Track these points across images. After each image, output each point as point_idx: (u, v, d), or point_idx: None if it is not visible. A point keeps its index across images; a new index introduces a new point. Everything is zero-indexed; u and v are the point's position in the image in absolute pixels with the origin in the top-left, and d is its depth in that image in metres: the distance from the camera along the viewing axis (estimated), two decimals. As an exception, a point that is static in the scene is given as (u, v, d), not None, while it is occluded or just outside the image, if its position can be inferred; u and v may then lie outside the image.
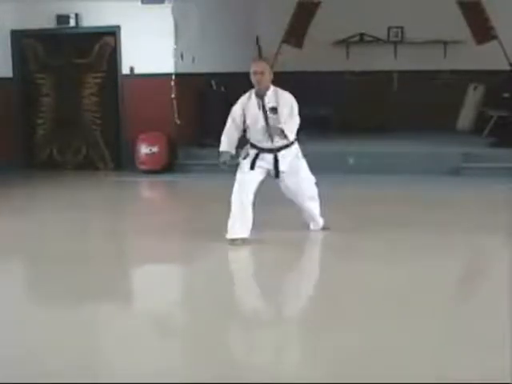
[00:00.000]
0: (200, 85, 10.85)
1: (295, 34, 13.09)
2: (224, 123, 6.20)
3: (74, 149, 11.02)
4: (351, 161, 9.66)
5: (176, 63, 10.40)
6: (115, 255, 6.17)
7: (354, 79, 12.78)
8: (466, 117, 12.19)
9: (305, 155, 6.28)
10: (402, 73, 12.83)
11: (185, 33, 10.53)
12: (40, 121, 11.06)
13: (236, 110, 6.08)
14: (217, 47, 11.30)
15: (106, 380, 3.56)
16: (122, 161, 10.79)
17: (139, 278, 5.78)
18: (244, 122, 6.05)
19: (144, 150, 10.28)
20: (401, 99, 12.64)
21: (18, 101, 11.00)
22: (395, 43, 12.85)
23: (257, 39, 12.84)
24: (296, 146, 6.15)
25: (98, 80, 10.77)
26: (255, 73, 5.90)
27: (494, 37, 12.38)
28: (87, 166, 10.92)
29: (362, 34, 12.90)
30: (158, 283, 5.40)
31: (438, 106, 12.12)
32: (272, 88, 6.00)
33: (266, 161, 6.05)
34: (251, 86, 6.04)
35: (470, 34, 12.51)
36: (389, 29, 12.84)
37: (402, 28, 12.80)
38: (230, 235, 6.03)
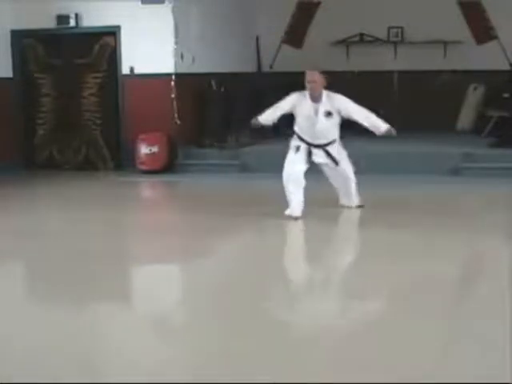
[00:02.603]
0: (200, 85, 10.85)
1: (295, 34, 13.08)
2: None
3: (73, 149, 11.01)
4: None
5: (176, 63, 10.40)
6: (115, 255, 6.16)
7: (353, 79, 12.78)
8: (466, 117, 12.19)
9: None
10: (402, 73, 12.83)
11: (185, 33, 10.53)
12: (40, 121, 11.06)
13: (284, 106, 6.95)
14: (217, 47, 11.29)
15: (106, 380, 3.56)
16: (122, 161, 10.79)
17: (139, 277, 5.79)
18: (292, 114, 6.94)
19: (144, 150, 10.27)
20: (401, 99, 12.64)
21: (17, 101, 11.00)
22: (395, 43, 12.84)
23: (257, 39, 12.84)
24: (338, 142, 7.08)
25: (98, 80, 10.77)
26: (309, 82, 6.80)
27: (494, 37, 12.38)
28: (87, 166, 10.92)
29: (361, 34, 12.89)
30: (157, 283, 5.40)
31: (438, 106, 12.12)
32: (325, 93, 6.83)
33: (317, 155, 6.92)
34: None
35: (470, 34, 12.50)
36: (389, 29, 12.84)
37: (401, 28, 12.79)
38: (290, 212, 6.78)
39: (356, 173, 7.24)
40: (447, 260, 5.74)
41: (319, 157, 6.98)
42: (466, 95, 12.23)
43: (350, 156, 7.23)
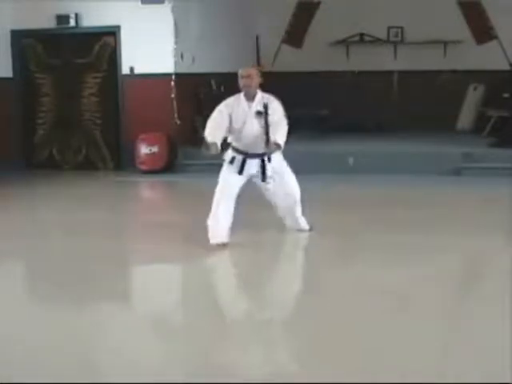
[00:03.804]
0: (200, 85, 10.85)
1: (295, 34, 13.08)
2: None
3: (73, 149, 11.01)
4: (351, 162, 9.66)
5: (176, 63, 10.40)
6: (115, 255, 6.16)
7: (353, 79, 12.78)
8: (465, 117, 12.19)
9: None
10: (402, 73, 12.83)
11: (185, 33, 10.53)
12: (40, 121, 11.05)
13: (220, 122, 6.01)
14: (217, 47, 11.30)
15: (106, 380, 3.56)
16: (121, 161, 10.79)
17: (139, 277, 5.79)
18: (230, 123, 6.03)
19: (144, 150, 10.28)
20: (401, 99, 12.65)
21: (17, 101, 11.00)
22: (395, 43, 12.84)
23: (257, 39, 12.84)
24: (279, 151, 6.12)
25: (98, 80, 10.77)
26: (242, 76, 5.99)
27: (494, 37, 12.38)
28: (87, 165, 10.92)
29: (361, 34, 12.90)
30: (157, 283, 5.40)
31: (438, 106, 12.13)
32: (260, 93, 6.06)
33: (252, 166, 6.07)
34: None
35: (470, 33, 12.51)
36: (389, 29, 12.84)
37: (401, 28, 12.80)
38: (214, 240, 6.04)
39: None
40: (447, 260, 5.74)
41: (252, 168, 6.07)
42: (465, 95, 12.24)
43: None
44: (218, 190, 6.08)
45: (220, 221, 6.05)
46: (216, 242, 6.06)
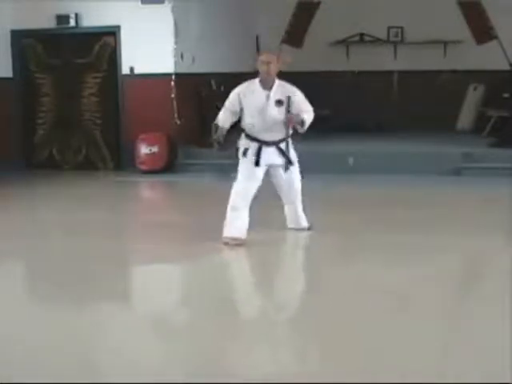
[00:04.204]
0: (200, 85, 10.85)
1: (295, 34, 13.08)
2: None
3: (73, 149, 11.01)
4: (351, 161, 9.66)
5: (176, 63, 10.40)
6: (115, 255, 6.16)
7: (353, 79, 12.79)
8: (466, 117, 12.19)
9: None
10: (402, 73, 12.83)
11: (185, 33, 10.53)
12: (40, 121, 11.05)
13: (230, 107, 6.02)
14: (217, 47, 11.30)
15: (106, 380, 3.56)
16: (122, 161, 10.79)
17: (139, 277, 5.78)
18: (241, 110, 5.97)
19: (144, 150, 10.28)
20: (401, 99, 12.65)
21: (17, 101, 11.00)
22: (395, 43, 12.85)
23: (257, 39, 12.84)
24: (290, 141, 6.10)
25: (98, 80, 10.77)
26: (262, 62, 5.89)
27: (494, 37, 12.38)
28: (87, 165, 10.92)
29: (361, 34, 12.90)
30: (157, 283, 5.40)
31: (438, 105, 12.13)
32: (277, 81, 6.00)
33: (269, 155, 5.97)
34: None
35: (470, 33, 12.51)
36: (389, 29, 12.85)
37: (401, 28, 12.80)
38: (229, 234, 5.98)
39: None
40: (447, 260, 5.74)
41: (271, 157, 5.98)
42: (465, 95, 12.24)
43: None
44: (237, 183, 5.98)
45: (241, 215, 5.93)
46: (232, 235, 5.93)
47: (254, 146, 5.96)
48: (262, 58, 5.95)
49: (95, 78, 10.78)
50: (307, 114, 6.01)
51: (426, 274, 5.27)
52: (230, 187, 6.08)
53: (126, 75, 10.56)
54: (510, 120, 10.74)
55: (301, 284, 5.51)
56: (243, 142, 6.04)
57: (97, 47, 10.69)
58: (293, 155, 6.14)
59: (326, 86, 12.24)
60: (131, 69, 10.51)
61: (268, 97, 5.91)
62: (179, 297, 5.23)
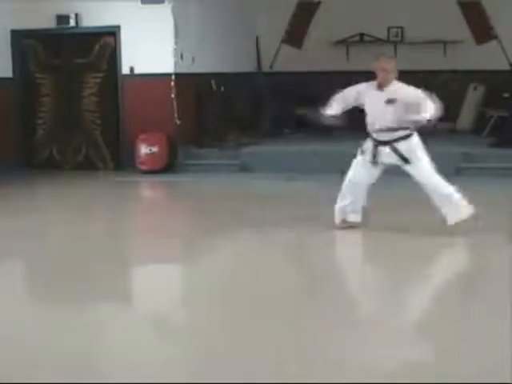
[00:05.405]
0: (200, 85, 10.85)
1: (295, 34, 13.07)
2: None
3: (73, 149, 11.01)
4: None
5: (176, 63, 10.40)
6: (115, 255, 6.17)
7: (353, 79, 12.77)
8: (465, 117, 12.19)
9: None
10: (401, 73, 12.80)
11: (185, 33, 10.53)
12: (40, 121, 11.05)
13: (347, 95, 6.42)
14: (217, 47, 11.29)
15: (106, 380, 3.56)
16: (121, 161, 10.79)
17: (139, 277, 5.79)
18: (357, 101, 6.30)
19: (144, 150, 10.27)
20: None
21: (17, 101, 11.00)
22: (395, 43, 12.83)
23: (257, 39, 12.84)
24: (414, 138, 6.35)
25: (98, 80, 10.77)
26: (381, 69, 6.18)
27: (494, 37, 12.38)
28: (87, 165, 10.92)
29: (362, 34, 12.89)
30: (158, 283, 5.40)
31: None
32: (395, 83, 6.29)
33: (385, 154, 6.22)
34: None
35: (470, 33, 12.50)
36: (389, 29, 12.84)
37: (401, 28, 12.79)
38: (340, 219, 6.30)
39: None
40: (447, 260, 5.74)
41: (386, 156, 6.26)
42: (465, 95, 12.23)
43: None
44: (348, 175, 6.36)
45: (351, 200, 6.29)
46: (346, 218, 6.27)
47: (370, 145, 6.25)
48: (381, 65, 6.26)
49: (95, 78, 10.78)
50: (424, 109, 6.33)
51: (426, 274, 5.27)
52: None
53: (125, 75, 10.56)
54: (510, 120, 10.74)
55: (298, 282, 5.51)
56: (367, 141, 6.33)
57: (97, 47, 10.69)
58: (414, 151, 6.37)
59: (326, 86, 12.22)
60: (131, 69, 10.52)
61: (380, 96, 6.17)
62: (179, 297, 5.24)
